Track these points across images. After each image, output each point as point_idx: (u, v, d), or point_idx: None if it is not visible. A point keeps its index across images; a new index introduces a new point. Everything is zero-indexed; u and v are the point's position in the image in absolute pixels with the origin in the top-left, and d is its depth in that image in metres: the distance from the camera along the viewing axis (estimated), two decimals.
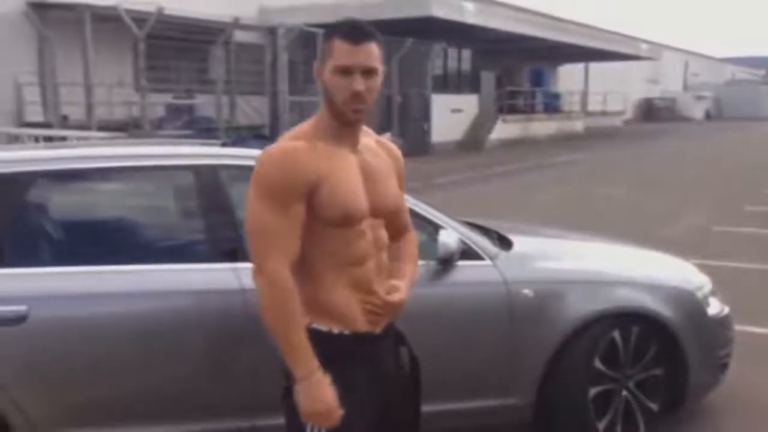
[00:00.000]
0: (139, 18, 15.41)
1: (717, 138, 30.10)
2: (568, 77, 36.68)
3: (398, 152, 2.23)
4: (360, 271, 2.03)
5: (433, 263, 3.12)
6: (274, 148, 2.01)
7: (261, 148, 3.36)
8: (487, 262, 3.27)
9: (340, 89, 1.96)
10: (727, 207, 11.35)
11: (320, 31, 18.91)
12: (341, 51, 1.95)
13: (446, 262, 3.14)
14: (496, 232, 3.71)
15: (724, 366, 3.81)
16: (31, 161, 3.06)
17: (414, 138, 20.04)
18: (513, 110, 27.92)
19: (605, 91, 38.27)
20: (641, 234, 7.70)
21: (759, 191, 13.01)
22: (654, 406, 3.54)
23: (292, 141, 2.01)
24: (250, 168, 3.15)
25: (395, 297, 2.06)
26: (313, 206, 1.97)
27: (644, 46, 37.15)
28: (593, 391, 3.38)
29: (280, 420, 2.91)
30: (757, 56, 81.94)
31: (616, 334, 3.41)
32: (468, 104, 25.40)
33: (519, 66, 31.96)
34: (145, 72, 16.08)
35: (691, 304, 3.65)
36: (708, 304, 3.72)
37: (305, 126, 2.06)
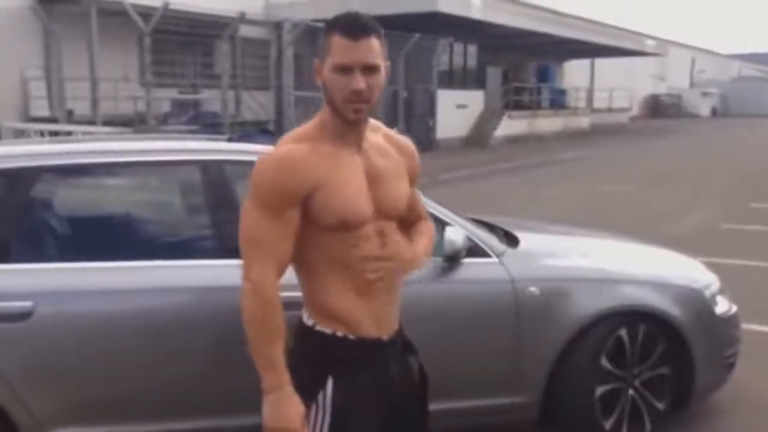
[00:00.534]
0: (145, 12, 15.40)
1: (723, 135, 29.99)
2: (574, 73, 36.56)
3: (410, 146, 2.14)
4: (363, 275, 1.96)
5: (439, 260, 3.11)
6: (271, 154, 1.93)
7: (267, 143, 3.37)
8: (494, 259, 3.25)
9: (339, 88, 1.87)
10: (734, 204, 11.30)
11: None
12: (340, 48, 1.85)
13: (452, 259, 3.13)
14: (503, 229, 3.69)
15: (731, 365, 3.79)
16: (36, 156, 3.05)
17: (419, 134, 19.98)
18: (519, 106, 27.85)
19: (611, 87, 38.15)
20: (648, 231, 7.67)
21: (765, 188, 12.95)
22: (660, 405, 3.53)
23: (293, 143, 1.93)
24: (255, 163, 3.18)
25: (402, 246, 2.00)
26: (308, 211, 1.90)
27: (650, 42, 37.02)
28: (600, 390, 3.37)
29: None
30: (764, 53, 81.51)
31: (623, 333, 3.39)
32: (473, 100, 25.34)
33: (525, 62, 31.86)
34: (151, 67, 16.07)
35: (698, 303, 3.63)
36: (715, 303, 3.69)
37: (309, 126, 1.98)
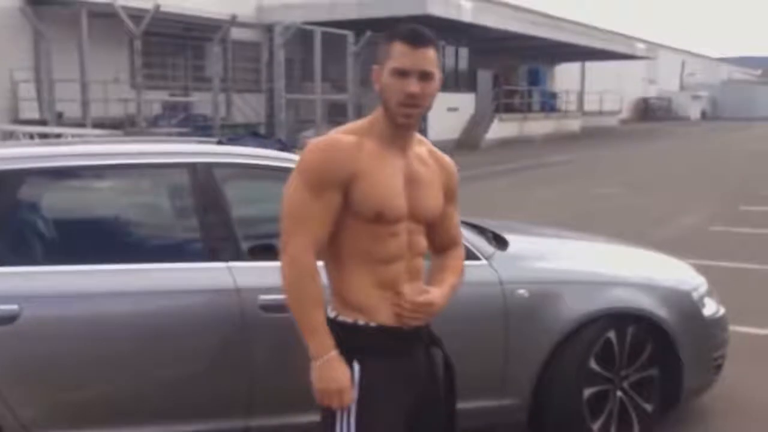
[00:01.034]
0: (136, 15, 15.37)
1: (713, 138, 30.15)
2: (564, 76, 36.70)
3: (451, 165, 2.26)
4: (388, 271, 2.05)
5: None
6: (322, 137, 2.08)
7: (257, 146, 3.36)
8: (483, 261, 3.25)
9: (395, 91, 2.00)
10: (722, 207, 11.36)
11: (317, 28, 18.93)
12: (400, 53, 1.99)
13: None
14: (492, 232, 3.69)
15: (719, 367, 3.80)
16: (23, 158, 3.03)
17: None
18: (509, 109, 27.92)
19: (602, 90, 38.30)
20: (637, 233, 7.70)
21: (754, 192, 13.03)
22: (648, 407, 3.53)
23: (342, 134, 2.07)
24: (245, 166, 3.19)
25: (421, 297, 2.08)
26: (349, 201, 2.01)
27: (641, 45, 37.19)
28: (588, 392, 3.37)
29: (275, 420, 2.93)
30: (754, 56, 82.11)
31: (612, 335, 3.40)
32: (464, 103, 25.39)
33: (516, 65, 31.95)
34: (141, 69, 16.04)
35: (686, 305, 3.64)
36: (704, 305, 3.71)
37: (360, 123, 2.12)
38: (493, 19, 23.34)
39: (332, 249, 2.06)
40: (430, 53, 2.01)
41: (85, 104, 15.97)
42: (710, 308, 3.74)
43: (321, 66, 19.24)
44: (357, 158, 2.01)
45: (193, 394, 2.89)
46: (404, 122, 2.04)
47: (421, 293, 2.09)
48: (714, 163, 18.73)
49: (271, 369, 2.89)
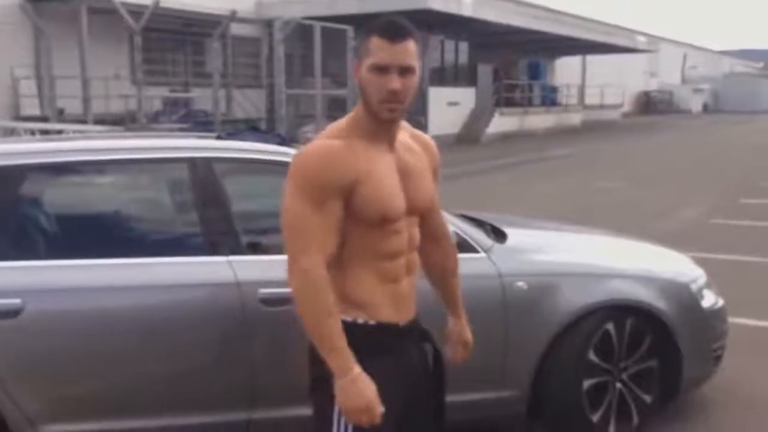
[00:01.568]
0: (136, 11, 15.36)
1: (714, 131, 30.12)
2: (565, 70, 36.63)
3: (432, 145, 2.23)
4: (390, 266, 2.05)
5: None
6: (310, 146, 2.01)
7: (256, 140, 3.38)
8: (481, 254, 3.27)
9: (376, 87, 1.94)
10: (723, 200, 11.36)
11: (316, 23, 18.92)
12: (378, 49, 1.93)
13: None
14: (491, 225, 3.71)
15: (718, 358, 3.82)
16: (25, 154, 3.06)
17: None
18: (510, 103, 27.89)
19: (603, 84, 38.23)
20: (638, 226, 7.71)
21: (754, 184, 13.03)
22: (648, 398, 3.55)
23: (328, 140, 2.00)
24: (244, 161, 3.20)
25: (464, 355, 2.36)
26: (351, 206, 1.97)
27: (642, 38, 37.13)
28: (587, 384, 3.39)
29: (277, 413, 2.95)
30: (755, 49, 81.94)
31: (611, 327, 3.41)
32: (465, 97, 25.37)
33: (516, 59, 31.91)
34: (142, 65, 16.04)
35: (685, 297, 3.65)
36: (702, 297, 3.72)
37: (341, 123, 2.05)
38: (493, 13, 23.30)
39: (337, 250, 2.02)
40: (410, 46, 1.94)
41: (86, 101, 15.98)
42: (709, 300, 3.76)
43: (321, 61, 19.22)
44: (353, 162, 1.96)
45: (195, 387, 2.91)
46: (389, 117, 1.98)
47: (464, 345, 2.36)
48: (715, 157, 18.72)
49: (272, 362, 2.91)
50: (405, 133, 2.14)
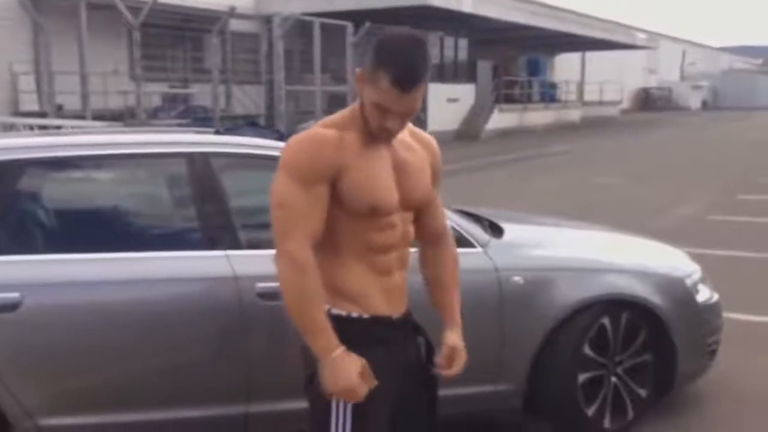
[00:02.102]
0: (134, 6, 15.34)
1: (713, 127, 30.11)
2: (564, 67, 36.61)
3: (434, 144, 2.23)
4: (383, 259, 2.07)
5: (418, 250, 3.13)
6: (302, 133, 2.05)
7: (255, 136, 3.39)
8: (478, 249, 3.29)
9: (374, 118, 1.97)
10: (721, 196, 11.38)
11: (316, 19, 18.91)
12: (385, 92, 1.90)
13: None
14: (488, 220, 3.73)
15: (713, 353, 3.84)
16: (23, 149, 3.06)
17: None
18: (509, 100, 27.88)
19: (602, 80, 38.21)
20: (635, 222, 7.73)
21: (752, 181, 13.04)
22: (643, 392, 3.58)
23: (323, 128, 2.03)
24: (242, 156, 3.22)
25: (456, 368, 2.18)
26: (340, 196, 1.99)
27: (641, 35, 37.10)
28: (582, 378, 3.41)
29: (274, 407, 2.97)
30: (754, 45, 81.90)
31: (606, 321, 3.44)
32: (464, 94, 25.36)
33: (516, 55, 31.89)
34: (141, 61, 16.02)
35: (680, 291, 3.68)
36: (697, 291, 3.75)
37: (340, 115, 2.07)
38: (493, 10, 23.28)
39: (329, 241, 2.03)
40: (418, 92, 1.92)
41: (84, 96, 15.97)
42: (704, 294, 3.78)
43: (320, 57, 19.22)
44: (341, 152, 1.98)
45: (192, 381, 2.93)
46: (386, 139, 2.03)
47: (455, 355, 2.18)
48: (713, 153, 18.73)
49: (270, 356, 2.93)
50: (405, 131, 2.14)
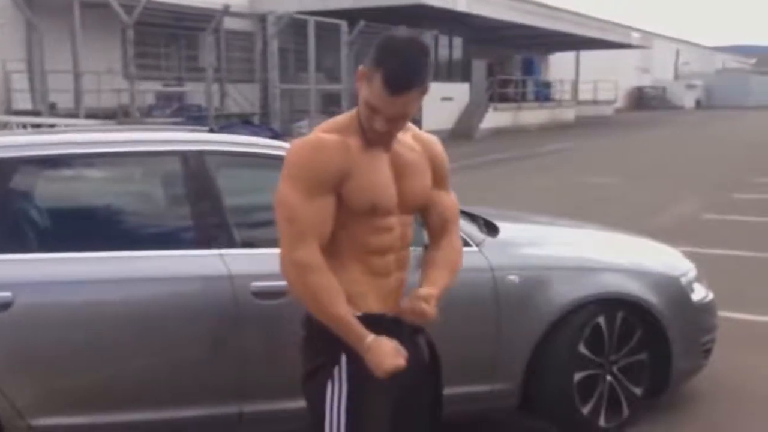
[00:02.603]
0: (128, 4, 15.30)
1: (707, 126, 30.18)
2: (559, 66, 36.66)
3: (435, 144, 2.22)
4: (380, 261, 2.07)
5: (419, 249, 3.12)
6: (304, 139, 2.04)
7: (249, 134, 3.38)
8: (473, 248, 3.27)
9: (366, 116, 1.98)
10: (716, 195, 11.40)
11: (310, 18, 18.87)
12: (377, 93, 1.91)
13: None
14: (483, 219, 3.72)
15: (708, 351, 3.84)
16: (15, 147, 3.04)
17: None
18: (504, 99, 27.89)
19: (596, 79, 38.28)
20: (631, 221, 7.74)
21: (747, 180, 13.07)
22: (638, 391, 3.57)
23: (324, 133, 2.02)
24: (236, 154, 3.20)
25: (412, 305, 2.03)
26: (342, 198, 2.00)
27: (635, 34, 37.14)
28: (578, 377, 3.40)
29: (269, 406, 2.95)
30: (748, 45, 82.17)
31: (601, 320, 3.43)
32: (459, 93, 25.36)
33: (510, 54, 31.91)
34: (134, 59, 15.97)
35: (675, 290, 3.68)
36: (692, 290, 3.74)
37: (341, 119, 2.08)
38: (487, 9, 23.28)
39: (327, 243, 2.03)
40: (410, 97, 1.92)
41: (78, 95, 15.92)
42: (699, 293, 3.78)
43: (315, 56, 19.19)
44: (346, 158, 1.99)
45: (186, 380, 2.91)
46: (378, 140, 2.03)
47: (427, 299, 2.04)
48: (707, 152, 18.77)
49: (264, 355, 2.92)
50: (407, 133, 2.16)
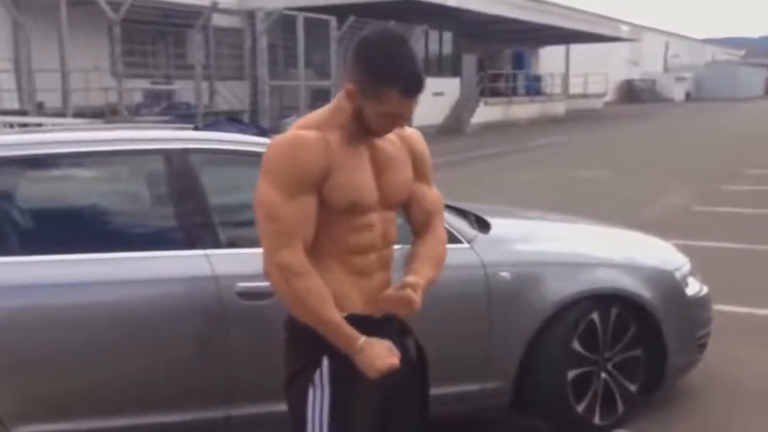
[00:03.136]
0: (115, 2, 15.16)
1: (696, 119, 30.27)
2: (549, 59, 36.67)
3: (415, 136, 2.18)
4: (362, 261, 2.02)
5: (409, 246, 3.07)
6: (282, 137, 1.99)
7: (235, 131, 3.32)
8: (465, 244, 3.22)
9: (379, 124, 1.98)
10: (706, 187, 11.41)
11: (299, 14, 18.78)
12: (396, 101, 1.92)
13: None
14: (474, 215, 3.66)
15: (703, 346, 3.81)
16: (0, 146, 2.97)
17: None
18: (494, 93, 27.88)
19: (586, 73, 38.31)
20: (622, 214, 7.71)
21: (737, 171, 13.09)
22: (633, 388, 3.54)
23: (302, 130, 1.97)
24: (221, 152, 3.14)
25: (399, 292, 1.97)
26: (322, 196, 1.96)
27: (625, 27, 37.21)
28: (572, 374, 3.36)
29: (256, 409, 2.90)
30: (737, 37, 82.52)
31: (595, 316, 3.39)
32: (449, 88, 25.31)
33: (500, 49, 31.89)
34: (122, 57, 15.85)
35: (669, 285, 3.64)
36: (687, 285, 3.71)
37: (320, 114, 2.03)
38: (477, 3, 23.23)
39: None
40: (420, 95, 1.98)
41: (65, 94, 15.77)
42: (693, 288, 3.75)
43: (304, 52, 19.11)
44: (326, 155, 1.93)
45: (172, 383, 2.85)
46: (383, 135, 2.04)
47: (409, 286, 1.97)
48: (697, 145, 18.79)
49: (250, 356, 2.86)
50: None
